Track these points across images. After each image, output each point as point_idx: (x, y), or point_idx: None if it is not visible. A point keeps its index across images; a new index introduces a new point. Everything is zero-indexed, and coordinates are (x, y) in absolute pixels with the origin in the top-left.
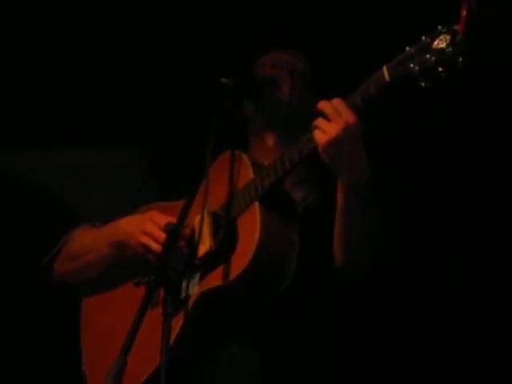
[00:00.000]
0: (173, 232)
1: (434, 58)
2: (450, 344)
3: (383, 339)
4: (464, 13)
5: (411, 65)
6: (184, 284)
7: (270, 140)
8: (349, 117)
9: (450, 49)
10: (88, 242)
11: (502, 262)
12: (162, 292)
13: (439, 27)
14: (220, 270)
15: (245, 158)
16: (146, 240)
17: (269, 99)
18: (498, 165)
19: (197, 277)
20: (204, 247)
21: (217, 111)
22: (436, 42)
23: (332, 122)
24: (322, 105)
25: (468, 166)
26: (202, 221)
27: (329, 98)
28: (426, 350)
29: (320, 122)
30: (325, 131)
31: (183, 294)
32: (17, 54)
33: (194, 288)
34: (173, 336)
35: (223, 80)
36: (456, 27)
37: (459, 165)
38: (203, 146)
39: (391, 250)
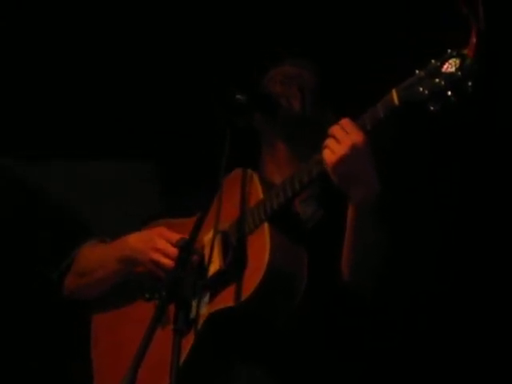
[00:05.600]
0: (185, 248)
1: (443, 82)
2: (457, 354)
3: (395, 355)
4: (473, 38)
5: (420, 88)
6: (194, 303)
7: (283, 155)
8: (357, 137)
9: (460, 73)
10: (97, 258)
11: (505, 270)
12: (171, 310)
13: (449, 51)
14: (230, 290)
15: (255, 177)
16: (157, 256)
17: (280, 115)
18: (503, 182)
19: (206, 296)
20: (213, 266)
21: (230, 126)
22: (445, 66)
23: (340, 142)
24: (332, 128)
25: (473, 181)
26: (213, 240)
27: (339, 110)
28: (436, 361)
29: (329, 142)
30: (333, 151)
31: (193, 314)
32: (32, 66)
33: (204, 308)
34: (183, 356)
35: (237, 96)
36: (465, 51)
37: (464, 180)
38: (216, 163)
39: (399, 263)
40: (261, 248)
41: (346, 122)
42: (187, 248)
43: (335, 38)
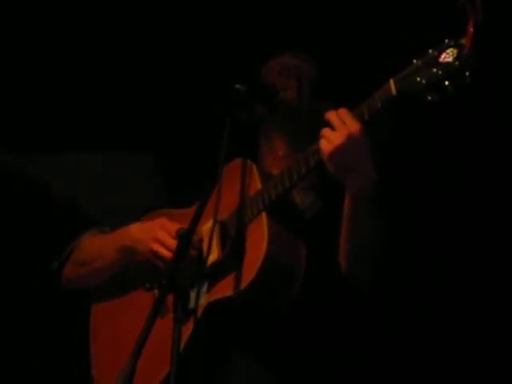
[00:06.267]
0: (184, 237)
1: (440, 72)
2: (455, 346)
3: (393, 346)
4: (470, 28)
5: (418, 78)
6: (193, 293)
7: (280, 146)
8: (353, 126)
9: (457, 63)
10: (97, 248)
11: (503, 260)
12: (170, 300)
13: (446, 40)
14: (228, 280)
15: (254, 167)
16: (156, 247)
17: (279, 106)
18: (498, 174)
19: (205, 286)
20: (212, 257)
21: (229, 117)
22: (443, 56)
23: (337, 131)
24: (329, 114)
25: (471, 171)
26: (213, 230)
27: (337, 102)
28: (433, 353)
29: (325, 131)
30: (329, 140)
31: (192, 304)
32: (31, 61)
33: (203, 298)
34: (182, 344)
35: (236, 86)
36: (463, 41)
37: (462, 170)
38: (216, 153)
39: (396, 255)
40: (259, 238)
41: (342, 111)
42: (186, 238)
43: (334, 35)
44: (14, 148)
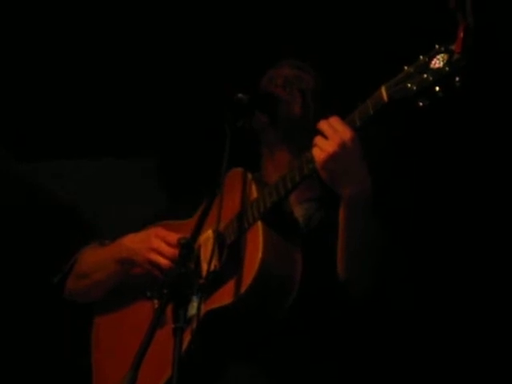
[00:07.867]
0: (186, 247)
1: (431, 78)
2: (449, 351)
3: (389, 354)
4: (461, 33)
5: (409, 84)
6: (191, 302)
7: (282, 155)
8: (345, 133)
9: (447, 68)
10: (96, 261)
11: (501, 270)
12: (169, 310)
13: (436, 46)
14: (225, 289)
15: (249, 176)
16: (153, 256)
17: (281, 117)
18: (493, 176)
19: (202, 295)
20: (209, 266)
21: (231, 127)
22: (433, 62)
23: (329, 139)
24: (321, 123)
25: (466, 176)
26: (215, 240)
27: (338, 113)
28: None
29: (318, 139)
30: (322, 148)
31: (190, 313)
32: (31, 65)
33: (200, 307)
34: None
35: (239, 96)
36: (453, 47)
37: (457, 174)
38: (216, 163)
39: (392, 262)
40: (254, 247)
41: (334, 119)
42: (188, 247)
43: (336, 41)
44: (15, 154)
